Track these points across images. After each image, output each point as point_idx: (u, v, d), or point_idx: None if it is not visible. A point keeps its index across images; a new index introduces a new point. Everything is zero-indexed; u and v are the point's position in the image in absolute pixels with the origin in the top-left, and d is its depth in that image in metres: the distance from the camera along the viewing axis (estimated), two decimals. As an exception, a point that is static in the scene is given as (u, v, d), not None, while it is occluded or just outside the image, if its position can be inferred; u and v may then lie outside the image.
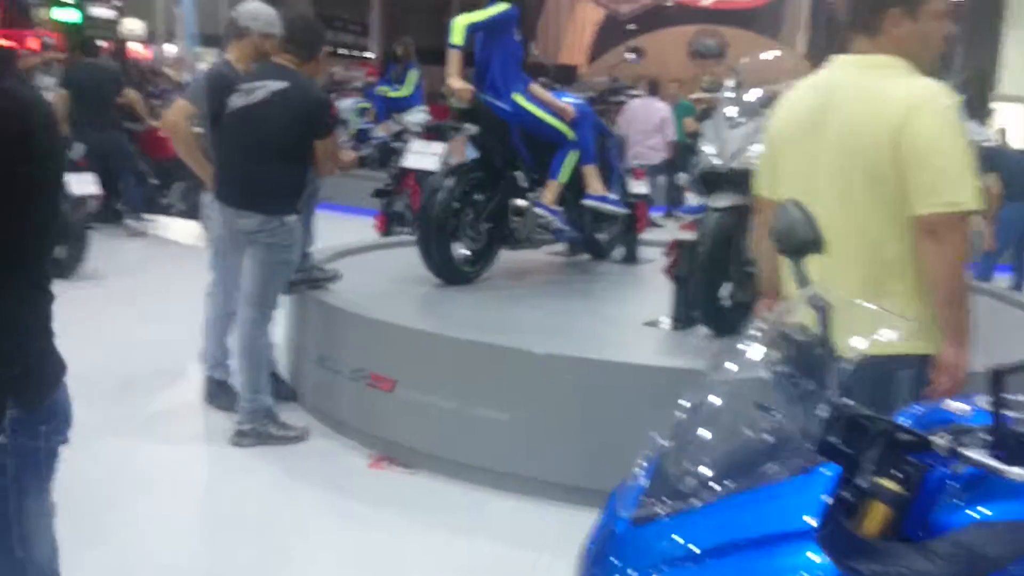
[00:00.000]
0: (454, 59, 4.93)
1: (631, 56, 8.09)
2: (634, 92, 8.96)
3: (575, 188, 5.44)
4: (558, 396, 3.79)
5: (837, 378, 1.55)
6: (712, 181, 4.36)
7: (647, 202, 6.44)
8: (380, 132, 11.51)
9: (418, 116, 11.01)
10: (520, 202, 5.31)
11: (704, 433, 1.62)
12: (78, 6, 18.03)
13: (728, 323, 4.28)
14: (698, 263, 4.24)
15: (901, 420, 1.59)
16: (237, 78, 4.34)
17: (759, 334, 1.68)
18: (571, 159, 5.35)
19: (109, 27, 20.72)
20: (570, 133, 5.35)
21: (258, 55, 4.53)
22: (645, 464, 1.67)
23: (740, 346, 1.66)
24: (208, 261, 4.72)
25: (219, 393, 4.62)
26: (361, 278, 5.04)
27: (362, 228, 8.59)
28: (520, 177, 5.38)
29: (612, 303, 5.12)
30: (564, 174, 5.34)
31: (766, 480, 1.52)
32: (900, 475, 1.53)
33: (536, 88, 5.39)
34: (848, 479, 1.50)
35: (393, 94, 11.33)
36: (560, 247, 6.16)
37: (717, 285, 4.27)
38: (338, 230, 8.68)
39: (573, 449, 3.78)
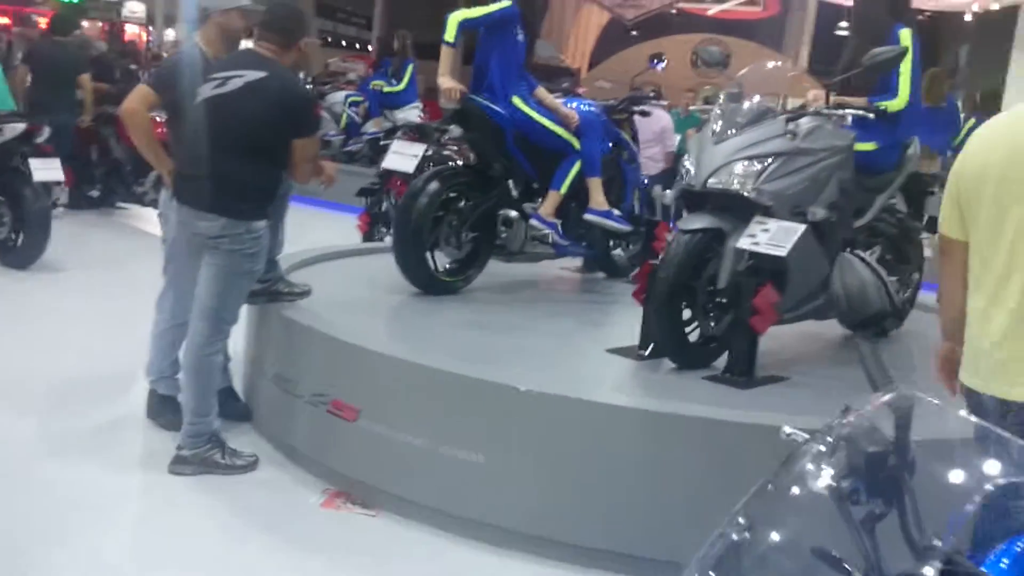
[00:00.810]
0: (446, 57, 4.69)
1: (658, 64, 7.64)
2: (660, 102, 8.55)
3: (583, 201, 5.03)
4: (541, 439, 3.33)
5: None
6: (689, 200, 3.98)
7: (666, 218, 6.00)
8: (372, 128, 11.06)
9: (411, 113, 10.58)
10: (510, 212, 4.88)
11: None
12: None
13: (694, 358, 3.91)
14: (658, 291, 3.77)
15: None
16: (208, 65, 3.88)
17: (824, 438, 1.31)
18: (575, 170, 4.94)
19: (111, 8, 20.33)
20: (575, 142, 4.95)
21: (226, 38, 4.06)
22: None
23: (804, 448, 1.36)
24: (162, 265, 4.27)
25: (163, 410, 4.14)
26: (333, 288, 4.57)
27: (346, 227, 8.16)
28: (513, 185, 4.97)
29: (615, 330, 4.50)
30: (565, 185, 4.92)
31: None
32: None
33: (542, 92, 5.04)
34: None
35: (388, 89, 10.88)
36: (574, 262, 5.74)
37: (679, 316, 3.84)
38: (320, 228, 8.29)
39: (552, 498, 3.32)
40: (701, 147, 3.91)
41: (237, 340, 4.16)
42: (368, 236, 7.67)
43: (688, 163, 3.94)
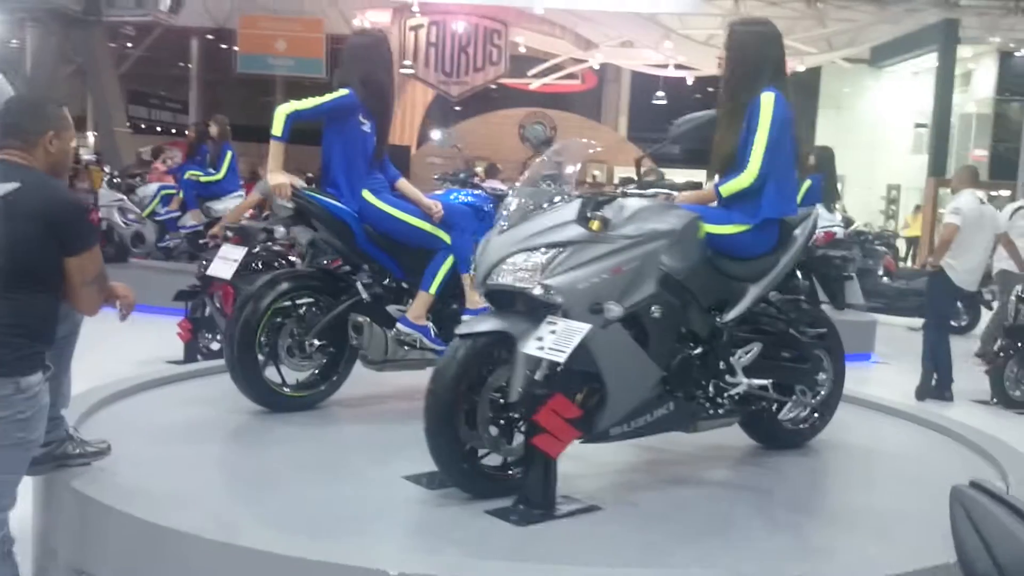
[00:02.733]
0: (275, 152, 4.26)
1: (445, 140, 7.37)
2: (495, 179, 8.26)
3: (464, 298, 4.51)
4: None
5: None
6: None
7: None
8: (190, 221, 10.25)
9: (233, 203, 9.86)
10: (358, 317, 4.31)
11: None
12: None
13: (489, 485, 3.29)
14: (430, 407, 3.19)
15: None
16: None
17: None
18: (445, 266, 4.42)
19: None
20: (445, 236, 4.43)
21: None
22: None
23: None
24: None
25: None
26: (142, 437, 3.76)
27: (164, 335, 7.33)
28: (368, 286, 4.44)
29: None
30: (435, 284, 4.39)
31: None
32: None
33: (403, 184, 4.59)
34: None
35: (206, 179, 10.14)
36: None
37: (458, 436, 3.22)
38: (132, 339, 7.39)
39: None
40: (488, 238, 3.41)
41: (24, 513, 3.34)
42: (191, 346, 6.90)
43: (473, 256, 3.47)
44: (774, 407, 4.01)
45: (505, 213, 3.43)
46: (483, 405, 3.25)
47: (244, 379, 4.20)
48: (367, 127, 4.42)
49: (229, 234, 7.47)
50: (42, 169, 3.04)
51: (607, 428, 3.37)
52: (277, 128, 4.24)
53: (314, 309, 4.37)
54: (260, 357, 4.21)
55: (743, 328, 3.82)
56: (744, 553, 3.02)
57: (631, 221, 3.42)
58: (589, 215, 3.32)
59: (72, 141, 3.24)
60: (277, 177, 4.24)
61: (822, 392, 4.13)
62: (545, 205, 3.40)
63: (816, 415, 4.16)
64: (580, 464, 3.62)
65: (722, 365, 3.70)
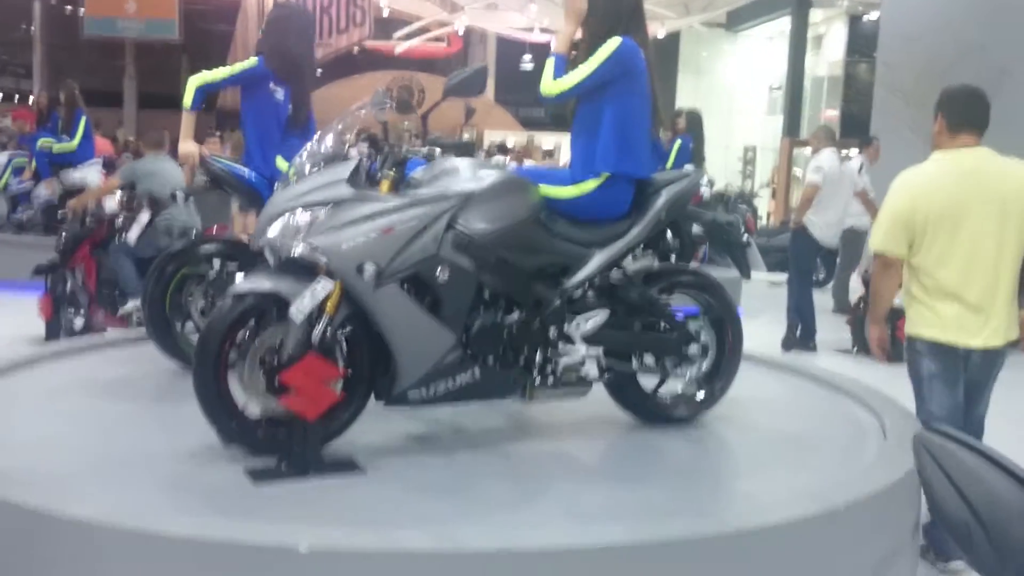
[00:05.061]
0: (186, 121, 4.54)
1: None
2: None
3: None
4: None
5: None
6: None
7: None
8: (45, 191, 9.71)
9: (91, 171, 9.39)
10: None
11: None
12: None
13: (264, 444, 3.22)
14: (199, 366, 3.18)
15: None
16: None
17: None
18: None
19: None
20: None
21: None
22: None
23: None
24: None
25: None
26: (13, 424, 3.57)
27: (24, 312, 6.96)
28: None
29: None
30: None
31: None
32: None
33: None
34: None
35: (59, 147, 9.61)
36: None
37: (224, 393, 3.21)
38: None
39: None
40: (272, 196, 3.40)
41: None
42: (53, 323, 6.58)
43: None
44: (643, 380, 3.82)
45: (289, 172, 3.40)
46: (251, 364, 3.19)
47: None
48: (279, 95, 4.54)
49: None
50: None
51: (403, 391, 3.31)
52: (187, 99, 4.43)
53: (224, 275, 4.36)
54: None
55: (597, 296, 3.70)
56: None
57: (432, 182, 3.38)
58: (380, 175, 3.31)
59: None
60: (187, 146, 4.48)
61: (700, 364, 3.89)
62: (312, 163, 3.35)
63: (702, 389, 3.91)
64: (378, 428, 3.53)
65: (553, 333, 3.58)
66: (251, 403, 3.22)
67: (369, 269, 3.14)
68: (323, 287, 3.11)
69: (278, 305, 3.17)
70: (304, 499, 2.97)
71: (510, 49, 24.14)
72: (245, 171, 4.46)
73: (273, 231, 3.23)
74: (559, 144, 21.37)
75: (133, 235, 6.45)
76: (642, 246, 3.79)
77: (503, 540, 2.65)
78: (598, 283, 3.70)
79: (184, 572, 2.58)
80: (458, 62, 25.49)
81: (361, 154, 3.35)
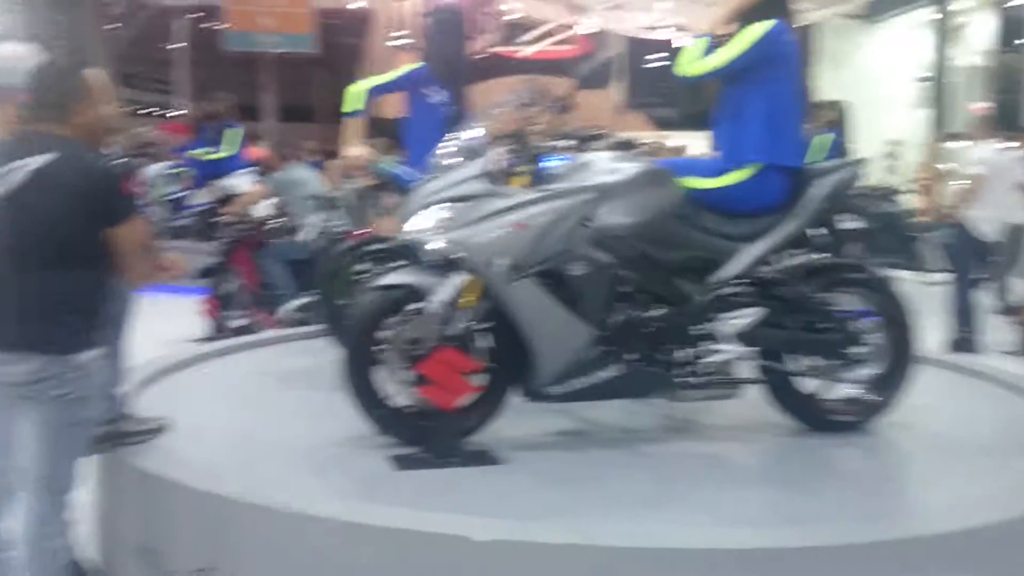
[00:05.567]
0: (349, 127, 4.65)
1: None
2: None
3: None
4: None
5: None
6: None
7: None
8: (203, 198, 10.08)
9: (243, 179, 9.70)
10: None
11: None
12: None
13: (405, 428, 3.36)
14: (346, 356, 3.35)
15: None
16: None
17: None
18: None
19: None
20: None
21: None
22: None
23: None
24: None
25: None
26: (198, 411, 3.72)
27: (188, 314, 7.24)
28: None
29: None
30: None
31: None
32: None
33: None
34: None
35: (208, 156, 9.96)
36: None
37: (371, 383, 3.37)
38: (157, 319, 7.28)
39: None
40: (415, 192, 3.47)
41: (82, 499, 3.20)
42: (219, 323, 6.82)
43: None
44: (805, 383, 3.64)
45: (433, 167, 3.47)
46: (395, 355, 3.31)
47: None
48: (439, 96, 4.63)
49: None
50: (78, 138, 2.93)
51: (542, 387, 3.32)
52: (349, 104, 4.55)
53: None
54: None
55: (750, 293, 3.56)
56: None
57: (569, 176, 3.36)
58: (516, 171, 3.35)
59: (109, 108, 3.10)
60: (355, 150, 4.61)
61: (869, 367, 3.67)
62: (455, 158, 3.41)
63: (872, 394, 3.70)
64: (519, 423, 3.55)
65: (700, 331, 3.47)
66: (396, 393, 3.33)
67: (503, 263, 3.18)
68: (458, 281, 3.21)
69: (418, 298, 3.25)
70: (442, 487, 3.05)
71: (642, 49, 23.91)
72: (409, 173, 4.50)
73: (413, 226, 3.32)
74: (686, 145, 21.06)
75: (308, 236, 6.69)
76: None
77: (644, 538, 2.59)
78: (751, 279, 3.56)
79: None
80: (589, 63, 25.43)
81: (498, 151, 3.38)
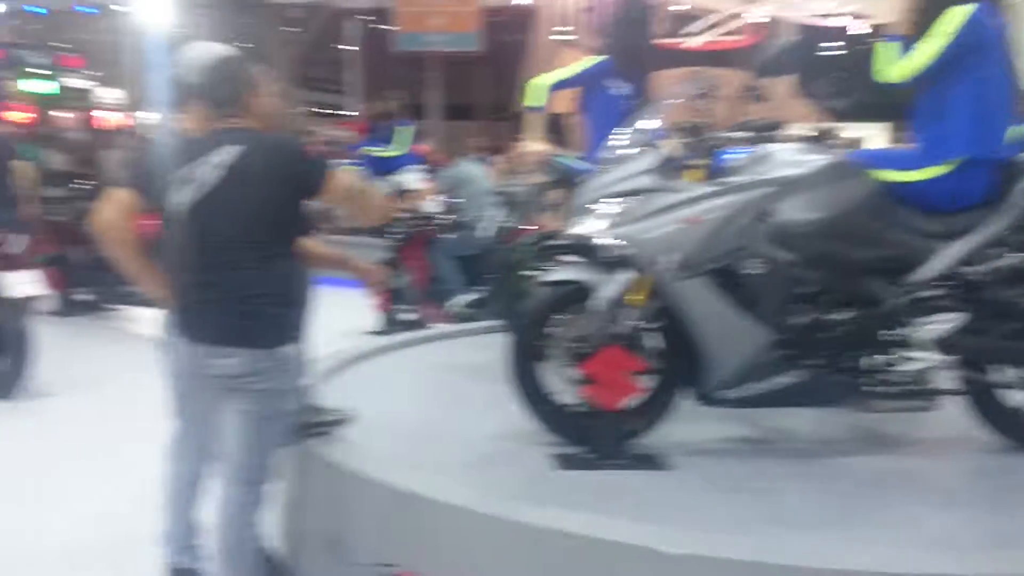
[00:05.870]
0: (530, 122, 4.65)
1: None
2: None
3: None
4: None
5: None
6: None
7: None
8: (379, 193, 10.36)
9: (412, 176, 9.87)
10: None
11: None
12: (53, 77, 17.25)
13: (570, 427, 3.25)
14: (511, 352, 3.25)
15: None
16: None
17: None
18: None
19: (82, 97, 20.09)
20: None
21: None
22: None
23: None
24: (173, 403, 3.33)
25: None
26: (382, 404, 3.74)
27: (357, 307, 7.35)
28: None
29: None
30: None
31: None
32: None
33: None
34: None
35: (381, 153, 10.18)
36: None
37: (536, 380, 3.27)
38: (331, 312, 7.46)
39: None
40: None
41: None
42: (391, 317, 6.94)
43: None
44: (1012, 395, 3.34)
45: (606, 159, 3.35)
46: (561, 353, 3.23)
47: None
48: (624, 91, 4.53)
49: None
50: (259, 128, 2.99)
51: (715, 391, 3.14)
52: (530, 99, 4.46)
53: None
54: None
55: (952, 296, 3.27)
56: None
57: (749, 169, 3.15)
58: (690, 164, 3.22)
59: (274, 95, 3.18)
60: (536, 145, 4.63)
61: None
62: (625, 150, 3.28)
63: None
64: (688, 428, 3.38)
65: (892, 337, 3.20)
66: (562, 391, 3.26)
67: (673, 260, 3.02)
68: (625, 278, 3.07)
69: (586, 295, 3.15)
70: (609, 491, 2.93)
71: (814, 38, 23.03)
72: (589, 168, 4.42)
73: (582, 221, 3.21)
74: (862, 137, 20.11)
75: (487, 231, 6.72)
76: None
77: (830, 558, 2.35)
78: (952, 281, 3.26)
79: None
80: (758, 53, 24.72)
81: (672, 143, 3.28)
